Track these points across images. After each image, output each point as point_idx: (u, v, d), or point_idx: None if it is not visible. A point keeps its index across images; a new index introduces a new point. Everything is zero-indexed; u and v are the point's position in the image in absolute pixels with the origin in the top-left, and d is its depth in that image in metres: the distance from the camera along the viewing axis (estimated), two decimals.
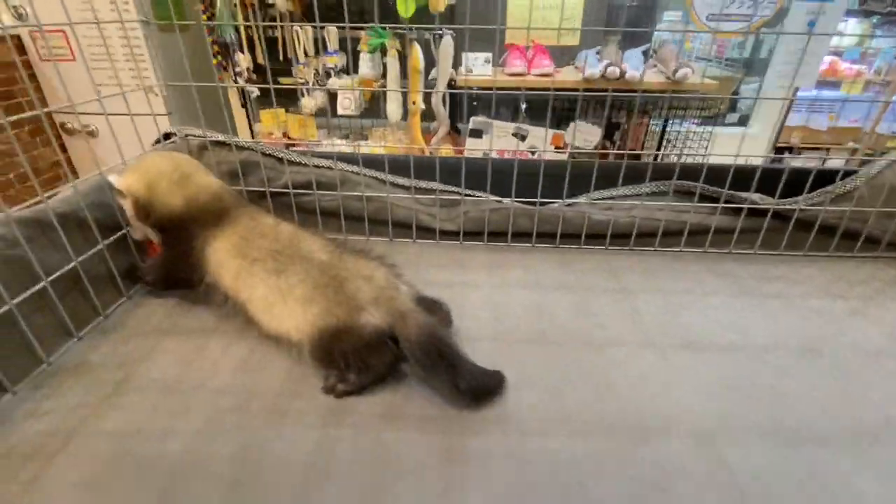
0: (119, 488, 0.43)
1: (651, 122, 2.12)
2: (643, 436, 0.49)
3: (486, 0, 1.86)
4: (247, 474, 0.44)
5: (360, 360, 0.52)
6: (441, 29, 1.91)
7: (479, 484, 0.44)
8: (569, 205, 0.85)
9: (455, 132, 2.15)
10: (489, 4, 1.95)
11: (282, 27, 2.05)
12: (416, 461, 0.46)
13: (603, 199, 0.85)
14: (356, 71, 2.14)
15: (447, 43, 1.94)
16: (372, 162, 0.87)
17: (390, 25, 1.90)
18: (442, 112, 2.03)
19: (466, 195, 0.85)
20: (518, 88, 1.93)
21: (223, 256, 0.60)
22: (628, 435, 0.49)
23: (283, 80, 2.16)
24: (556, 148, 1.96)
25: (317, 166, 0.85)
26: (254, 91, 2.12)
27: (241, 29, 2.02)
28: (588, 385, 0.55)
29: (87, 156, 2.08)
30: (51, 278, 0.57)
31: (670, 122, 2.11)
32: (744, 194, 0.82)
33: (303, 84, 2.15)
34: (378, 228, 0.88)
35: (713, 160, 0.79)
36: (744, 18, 2.11)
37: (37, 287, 0.56)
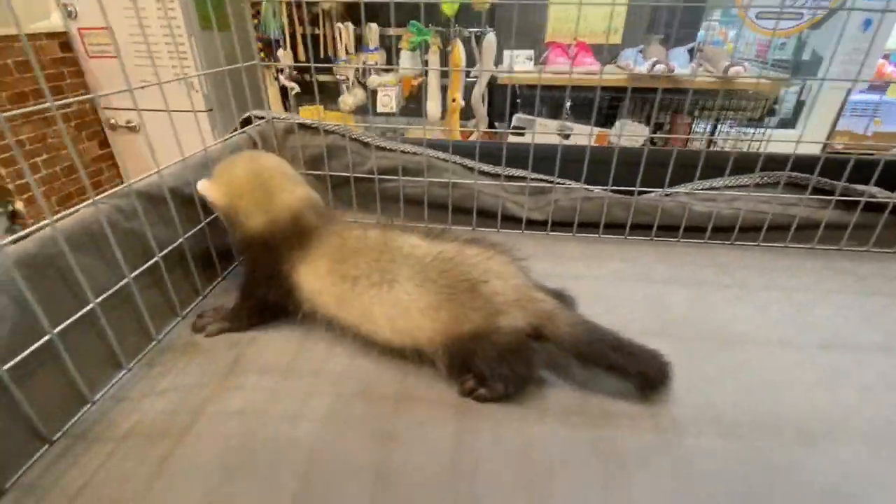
0: (256, 471, 0.41)
1: (694, 123, 2.06)
2: (809, 438, 0.44)
3: None
4: (387, 464, 0.41)
5: (506, 368, 0.47)
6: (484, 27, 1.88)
7: (642, 481, 0.40)
8: (667, 195, 0.80)
9: (492, 130, 2.11)
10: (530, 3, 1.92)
11: (324, 25, 2.05)
12: (566, 456, 0.42)
13: (705, 189, 0.81)
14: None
15: (490, 40, 1.91)
16: (459, 148, 0.84)
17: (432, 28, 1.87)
18: (481, 110, 2.00)
19: (558, 183, 0.81)
20: (562, 87, 1.88)
21: (317, 283, 0.53)
22: (791, 437, 0.44)
23: (322, 77, 2.16)
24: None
25: (403, 152, 0.82)
26: (294, 88, 2.13)
27: (285, 26, 2.03)
28: (732, 383, 0.51)
29: (129, 154, 2.12)
30: (162, 253, 0.56)
31: (721, 122, 2.04)
32: (861, 187, 0.76)
33: (343, 79, 2.15)
34: (461, 217, 0.85)
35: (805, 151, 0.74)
36: (796, 16, 2.03)
37: (151, 261, 0.54)
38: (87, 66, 1.96)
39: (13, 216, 1.97)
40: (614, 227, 0.83)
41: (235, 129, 0.81)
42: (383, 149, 0.83)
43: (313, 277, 0.53)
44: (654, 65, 1.82)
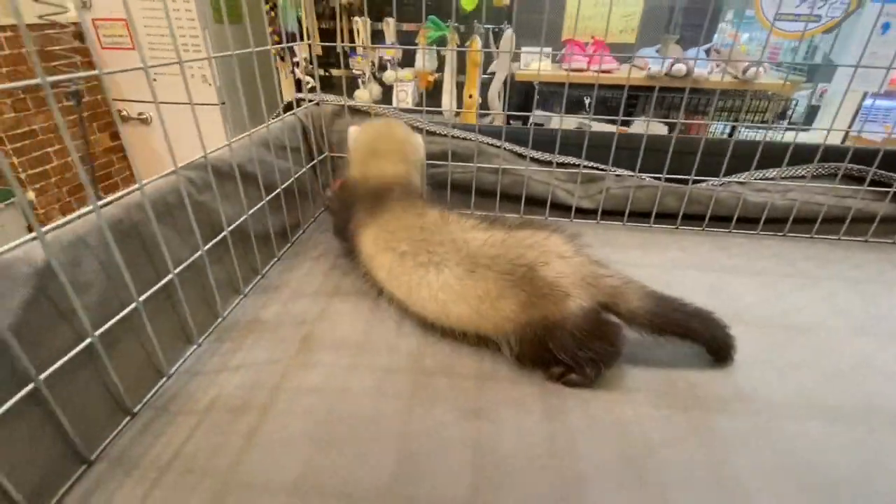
0: (347, 445, 0.40)
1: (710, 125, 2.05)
2: None
3: None
4: (481, 442, 0.40)
5: (589, 351, 0.45)
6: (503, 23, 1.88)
7: (747, 464, 0.39)
8: (721, 184, 0.80)
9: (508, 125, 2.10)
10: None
11: (341, 19, 2.04)
12: (664, 435, 0.41)
13: (764, 178, 0.80)
14: (411, 64, 2.12)
15: (508, 36, 1.90)
16: (509, 134, 0.83)
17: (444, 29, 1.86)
18: (497, 106, 1.99)
19: (612, 172, 0.80)
20: (580, 84, 1.87)
21: (371, 249, 0.55)
22: (888, 422, 0.43)
23: (336, 72, 2.14)
24: None
25: (454, 137, 0.81)
26: (310, 82, 2.12)
27: (302, 20, 2.02)
28: (817, 368, 0.50)
29: (139, 146, 2.10)
30: (230, 227, 0.55)
31: (741, 122, 2.04)
32: None
33: (360, 74, 2.14)
34: (508, 204, 0.84)
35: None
36: (813, 19, 2.03)
37: (221, 235, 0.53)
38: (101, 58, 1.95)
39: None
40: (664, 217, 0.82)
41: (277, 114, 0.80)
42: (433, 133, 0.82)
43: (370, 242, 0.56)
44: (672, 64, 1.82)
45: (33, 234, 0.33)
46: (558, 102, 2.13)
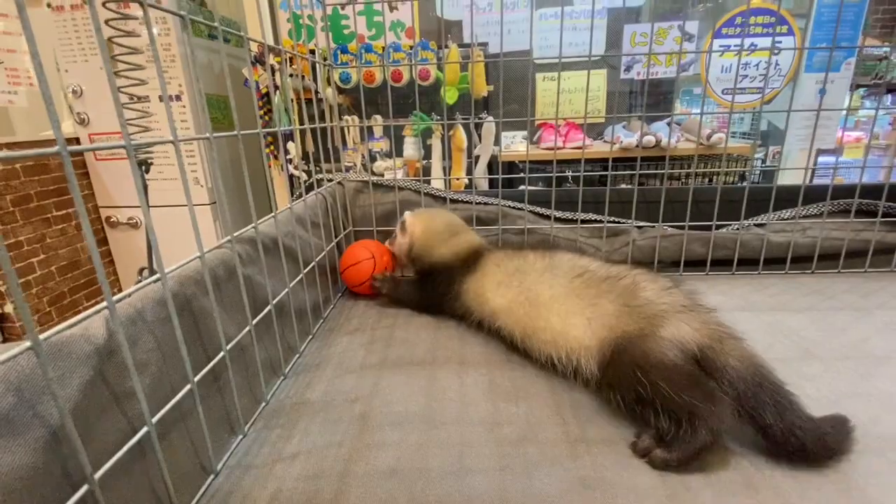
0: None
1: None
2: None
3: (519, 86, 1.99)
4: None
5: (679, 396, 0.38)
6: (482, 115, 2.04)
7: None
8: (737, 228, 0.81)
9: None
10: (521, 90, 2.10)
11: (331, 121, 2.18)
12: (803, 487, 0.37)
13: (782, 220, 0.82)
14: (400, 154, 2.25)
15: (489, 124, 2.07)
16: (531, 196, 0.85)
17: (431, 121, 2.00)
18: (483, 184, 2.10)
19: (636, 225, 0.81)
20: (556, 160, 2.00)
21: (478, 288, 0.62)
22: None
23: (327, 166, 2.24)
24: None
25: (477, 203, 0.82)
26: (303, 176, 2.19)
27: (294, 121, 2.15)
28: None
29: (126, 250, 2.09)
30: (274, 301, 0.51)
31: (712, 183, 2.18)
32: None
33: (350, 166, 2.24)
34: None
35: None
36: (757, 91, 2.28)
37: (266, 309, 0.50)
38: (94, 169, 2.00)
39: (2, 319, 1.86)
40: (691, 265, 0.82)
41: (300, 195, 0.81)
42: (457, 201, 0.83)
43: (476, 286, 0.63)
44: (643, 137, 1.98)
45: (102, 306, 0.29)
46: (541, 179, 2.25)
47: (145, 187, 0.77)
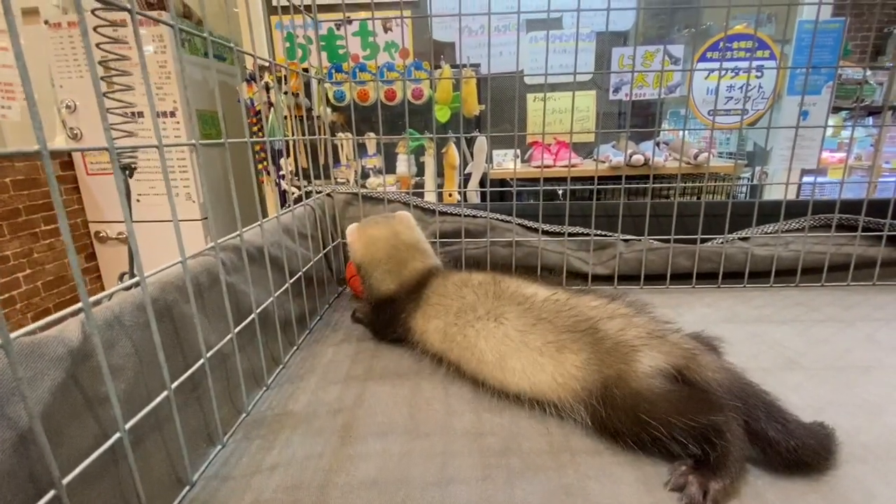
0: None
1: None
2: None
3: (510, 106, 2.04)
4: None
5: (689, 418, 0.36)
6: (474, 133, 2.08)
7: None
8: (721, 242, 0.82)
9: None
10: (513, 111, 2.14)
11: (324, 137, 2.21)
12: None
13: (765, 234, 0.83)
14: (393, 171, 2.27)
15: (481, 141, 2.10)
16: (519, 210, 0.85)
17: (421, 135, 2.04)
18: (475, 199, 2.12)
19: (622, 239, 0.82)
20: (548, 178, 2.04)
21: (423, 323, 0.57)
22: None
23: (319, 182, 2.26)
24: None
25: (466, 215, 0.83)
26: (294, 192, 2.20)
27: (287, 135, 2.17)
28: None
29: (115, 265, 2.08)
30: (258, 310, 0.51)
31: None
32: None
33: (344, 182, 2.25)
34: (525, 276, 0.84)
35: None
36: (740, 112, 2.35)
37: (250, 318, 0.49)
38: (85, 184, 2.00)
39: None
40: (677, 278, 0.83)
41: (288, 206, 0.81)
42: (446, 213, 0.83)
43: (422, 318, 0.57)
44: (631, 155, 2.02)
45: (78, 306, 0.29)
46: (532, 195, 2.27)
47: (128, 192, 0.77)
